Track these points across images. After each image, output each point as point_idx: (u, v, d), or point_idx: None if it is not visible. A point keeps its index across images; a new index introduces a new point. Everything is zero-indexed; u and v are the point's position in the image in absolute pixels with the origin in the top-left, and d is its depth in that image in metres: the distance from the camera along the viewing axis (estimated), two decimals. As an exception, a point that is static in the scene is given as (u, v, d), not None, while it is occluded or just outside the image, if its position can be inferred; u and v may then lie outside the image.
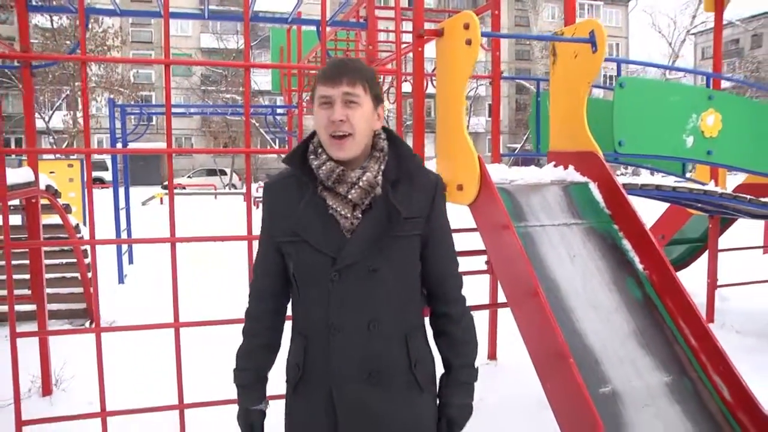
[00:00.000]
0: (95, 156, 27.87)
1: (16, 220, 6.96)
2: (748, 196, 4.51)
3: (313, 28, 3.89)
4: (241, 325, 1.70)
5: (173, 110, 3.63)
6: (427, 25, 3.55)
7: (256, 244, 1.73)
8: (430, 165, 3.45)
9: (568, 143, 3.55)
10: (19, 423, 2.99)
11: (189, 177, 31.53)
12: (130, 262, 8.29)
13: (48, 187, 4.24)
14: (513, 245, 2.65)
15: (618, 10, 46.69)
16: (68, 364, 4.09)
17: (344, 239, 1.50)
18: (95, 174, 22.96)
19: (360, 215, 1.51)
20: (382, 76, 5.54)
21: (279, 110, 10.09)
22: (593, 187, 3.28)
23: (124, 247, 7.90)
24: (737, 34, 40.37)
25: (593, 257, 2.91)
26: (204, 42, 37.66)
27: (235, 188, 29.81)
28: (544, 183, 3.31)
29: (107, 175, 29.92)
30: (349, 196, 1.49)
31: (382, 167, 1.54)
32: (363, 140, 1.51)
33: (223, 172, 32.60)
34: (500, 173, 3.24)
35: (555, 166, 3.56)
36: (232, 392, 1.73)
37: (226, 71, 31.85)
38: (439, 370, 1.68)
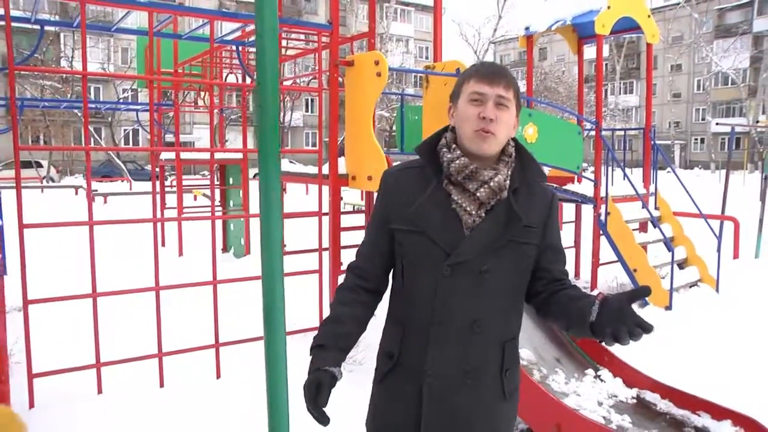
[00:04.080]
0: None
1: None
2: (554, 185, 6.34)
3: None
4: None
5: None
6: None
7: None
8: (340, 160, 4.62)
9: (441, 147, 4.93)
10: (30, 376, 3.62)
11: (-1, 170, 28.58)
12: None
13: None
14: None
15: (429, 17, 50.83)
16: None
17: (462, 235, 1.48)
18: None
19: (483, 214, 1.50)
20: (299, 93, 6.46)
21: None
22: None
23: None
24: (529, 47, 46.34)
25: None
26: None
27: (53, 182, 27.68)
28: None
29: None
30: (478, 194, 1.48)
31: (510, 172, 1.54)
32: (502, 142, 1.52)
33: (39, 165, 30.00)
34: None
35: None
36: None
37: (42, 55, 29.23)
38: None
